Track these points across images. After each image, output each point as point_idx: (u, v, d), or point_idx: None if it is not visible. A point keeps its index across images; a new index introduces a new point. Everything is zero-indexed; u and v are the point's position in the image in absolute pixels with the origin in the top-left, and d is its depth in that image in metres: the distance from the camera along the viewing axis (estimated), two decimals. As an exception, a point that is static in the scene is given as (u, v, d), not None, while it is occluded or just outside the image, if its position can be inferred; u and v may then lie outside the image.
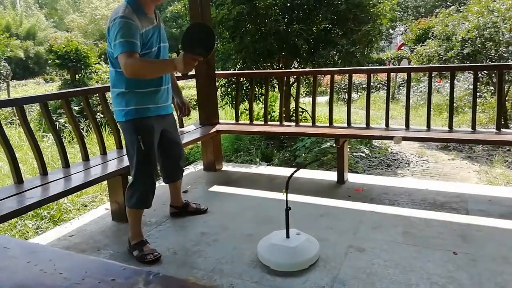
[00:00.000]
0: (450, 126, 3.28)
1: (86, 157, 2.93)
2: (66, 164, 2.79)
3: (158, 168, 2.61)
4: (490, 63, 6.14)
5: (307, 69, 5.55)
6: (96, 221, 2.99)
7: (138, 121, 2.28)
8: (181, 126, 3.88)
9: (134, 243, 2.42)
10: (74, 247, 2.61)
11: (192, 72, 4.06)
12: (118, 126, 2.58)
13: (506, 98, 6.36)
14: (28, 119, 2.69)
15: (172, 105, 2.61)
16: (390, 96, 3.79)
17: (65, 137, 5.83)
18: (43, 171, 2.64)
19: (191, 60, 2.01)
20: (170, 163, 2.71)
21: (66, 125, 6.29)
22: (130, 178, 2.47)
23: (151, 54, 2.24)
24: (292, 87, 5.95)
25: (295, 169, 2.33)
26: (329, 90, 3.83)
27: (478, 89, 5.04)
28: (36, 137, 2.70)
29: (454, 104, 3.41)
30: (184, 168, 2.91)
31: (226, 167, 4.15)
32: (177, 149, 2.69)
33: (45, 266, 0.50)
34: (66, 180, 2.58)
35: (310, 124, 3.82)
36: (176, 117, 2.84)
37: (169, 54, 2.56)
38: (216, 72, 4.10)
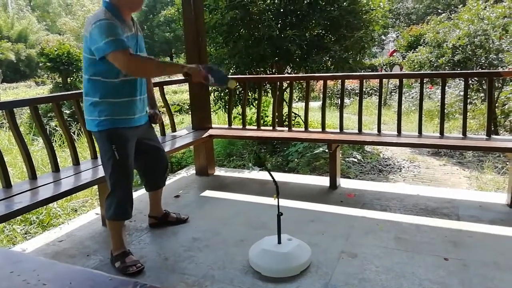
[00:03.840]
0: (442, 132, 3.31)
1: (76, 161, 2.89)
2: (56, 168, 2.75)
3: (138, 176, 2.52)
4: (480, 70, 6.22)
5: (300, 75, 5.57)
6: (86, 226, 2.95)
7: (112, 131, 2.20)
8: (174, 130, 3.86)
9: (116, 254, 2.34)
10: (63, 253, 2.57)
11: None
12: (92, 135, 2.45)
13: (496, 104, 6.44)
14: (18, 122, 2.65)
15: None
16: (382, 102, 3.81)
17: (55, 141, 5.77)
18: (32, 175, 2.60)
19: (203, 77, 2.08)
20: (152, 171, 2.62)
21: (57, 128, 6.23)
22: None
23: None
24: (285, 92, 5.96)
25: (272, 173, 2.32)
26: (321, 96, 3.84)
27: (468, 96, 5.10)
28: (25, 140, 2.66)
29: (445, 111, 3.44)
30: (166, 176, 2.80)
31: (219, 171, 4.13)
32: (158, 155, 2.60)
33: (28, 277, 0.48)
34: (55, 184, 2.54)
35: (303, 129, 3.82)
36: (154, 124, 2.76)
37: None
38: (209, 76, 4.08)
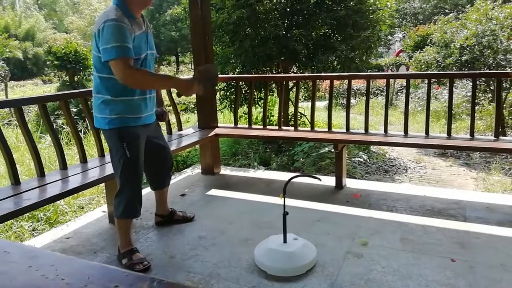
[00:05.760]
0: (449, 132, 3.29)
1: (84, 159, 2.91)
2: (63, 165, 2.77)
3: (144, 175, 2.54)
4: (488, 71, 6.17)
5: (306, 74, 5.57)
6: (93, 224, 2.97)
7: (123, 129, 2.21)
8: (180, 129, 3.87)
9: (123, 251, 2.36)
10: (70, 250, 2.59)
11: (191, 76, 4.06)
12: (101, 133, 2.44)
13: (504, 105, 6.39)
14: (26, 120, 2.67)
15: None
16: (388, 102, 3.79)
17: (62, 139, 5.81)
18: (41, 173, 2.62)
19: (196, 89, 2.22)
20: (157, 170, 2.63)
21: (64, 126, 6.27)
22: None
23: (139, 61, 2.18)
24: (291, 92, 5.96)
25: (294, 174, 2.33)
26: (327, 95, 3.84)
27: (476, 97, 5.07)
28: (33, 138, 2.68)
29: (452, 111, 3.42)
30: (171, 175, 2.81)
31: (224, 170, 4.14)
32: (164, 154, 2.61)
33: (46, 271, 0.49)
34: (63, 182, 2.56)
35: (309, 129, 3.82)
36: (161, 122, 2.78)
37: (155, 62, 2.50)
38: (215, 75, 4.09)
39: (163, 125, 3.42)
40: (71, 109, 4.81)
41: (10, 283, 0.47)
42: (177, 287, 0.46)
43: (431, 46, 7.87)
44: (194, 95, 2.27)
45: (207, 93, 2.27)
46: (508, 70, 5.93)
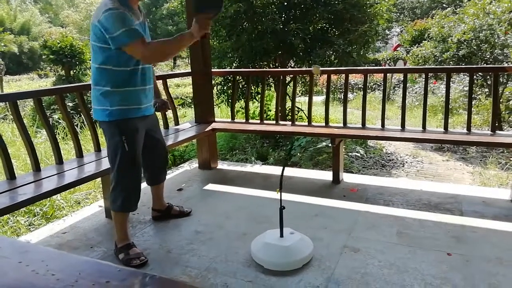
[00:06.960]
0: (446, 127, 3.29)
1: (80, 154, 2.90)
2: (59, 160, 2.76)
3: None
4: (485, 65, 6.18)
5: (304, 69, 5.54)
6: (89, 218, 2.97)
7: (123, 121, 2.19)
8: (177, 124, 3.86)
9: (120, 246, 2.36)
10: (67, 244, 2.58)
11: (188, 70, 4.05)
12: (99, 125, 2.40)
13: (500, 100, 6.40)
14: (22, 114, 2.65)
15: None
16: (386, 97, 3.79)
17: (58, 133, 5.78)
18: (36, 167, 2.61)
19: (205, 20, 2.08)
20: (154, 165, 2.63)
21: (60, 121, 6.23)
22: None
23: None
24: (288, 86, 5.94)
25: (283, 167, 2.32)
26: (325, 90, 3.83)
27: (473, 91, 5.07)
28: (29, 133, 2.66)
29: (449, 106, 3.42)
30: (167, 170, 2.80)
31: (221, 165, 4.13)
32: (161, 149, 2.61)
33: (37, 267, 0.49)
34: (59, 176, 2.55)
35: (306, 123, 3.81)
36: (158, 117, 2.75)
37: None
38: (212, 70, 4.07)
39: (159, 119, 3.40)
40: (67, 104, 4.78)
41: (0, 278, 0.47)
42: (168, 282, 0.45)
43: (428, 41, 7.86)
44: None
45: (217, 13, 2.15)
46: (505, 65, 5.94)
